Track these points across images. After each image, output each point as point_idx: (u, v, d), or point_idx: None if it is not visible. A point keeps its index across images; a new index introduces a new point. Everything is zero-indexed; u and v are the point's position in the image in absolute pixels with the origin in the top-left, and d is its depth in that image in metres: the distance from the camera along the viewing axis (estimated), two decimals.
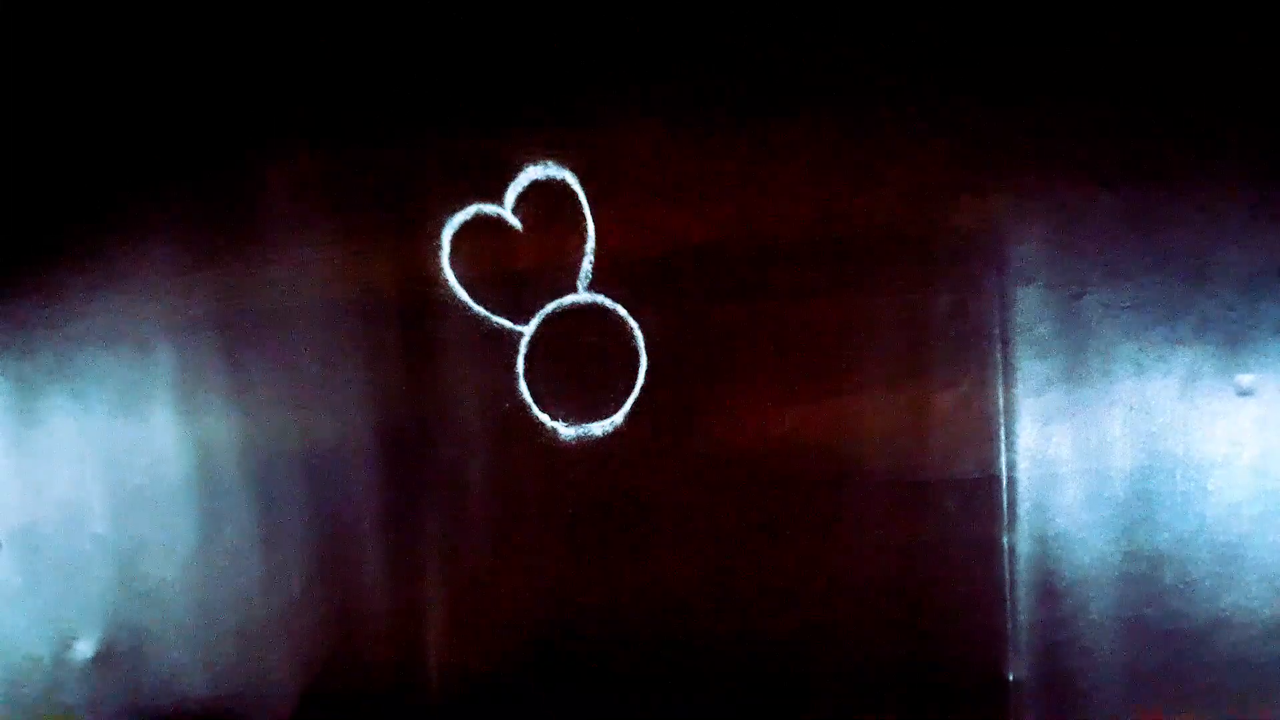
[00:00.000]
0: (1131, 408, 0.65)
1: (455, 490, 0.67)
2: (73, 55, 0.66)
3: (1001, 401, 0.65)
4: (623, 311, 0.66)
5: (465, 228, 0.65)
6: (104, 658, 0.68)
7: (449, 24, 0.65)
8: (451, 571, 0.67)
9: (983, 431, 0.65)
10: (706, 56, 0.64)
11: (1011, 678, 0.66)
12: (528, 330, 0.66)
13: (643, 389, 0.66)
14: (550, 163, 0.65)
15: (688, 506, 0.66)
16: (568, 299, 0.66)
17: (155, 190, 0.66)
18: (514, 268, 0.66)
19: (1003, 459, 0.65)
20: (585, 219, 0.65)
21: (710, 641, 0.65)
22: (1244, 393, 0.65)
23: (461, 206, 0.65)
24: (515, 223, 0.65)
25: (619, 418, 0.66)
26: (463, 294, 0.66)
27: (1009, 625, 0.65)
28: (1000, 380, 0.65)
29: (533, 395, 0.66)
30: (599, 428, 0.66)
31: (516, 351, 0.66)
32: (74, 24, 0.66)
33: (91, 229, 0.66)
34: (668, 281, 0.65)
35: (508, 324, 0.66)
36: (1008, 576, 0.65)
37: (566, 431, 0.66)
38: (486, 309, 0.66)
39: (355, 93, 0.65)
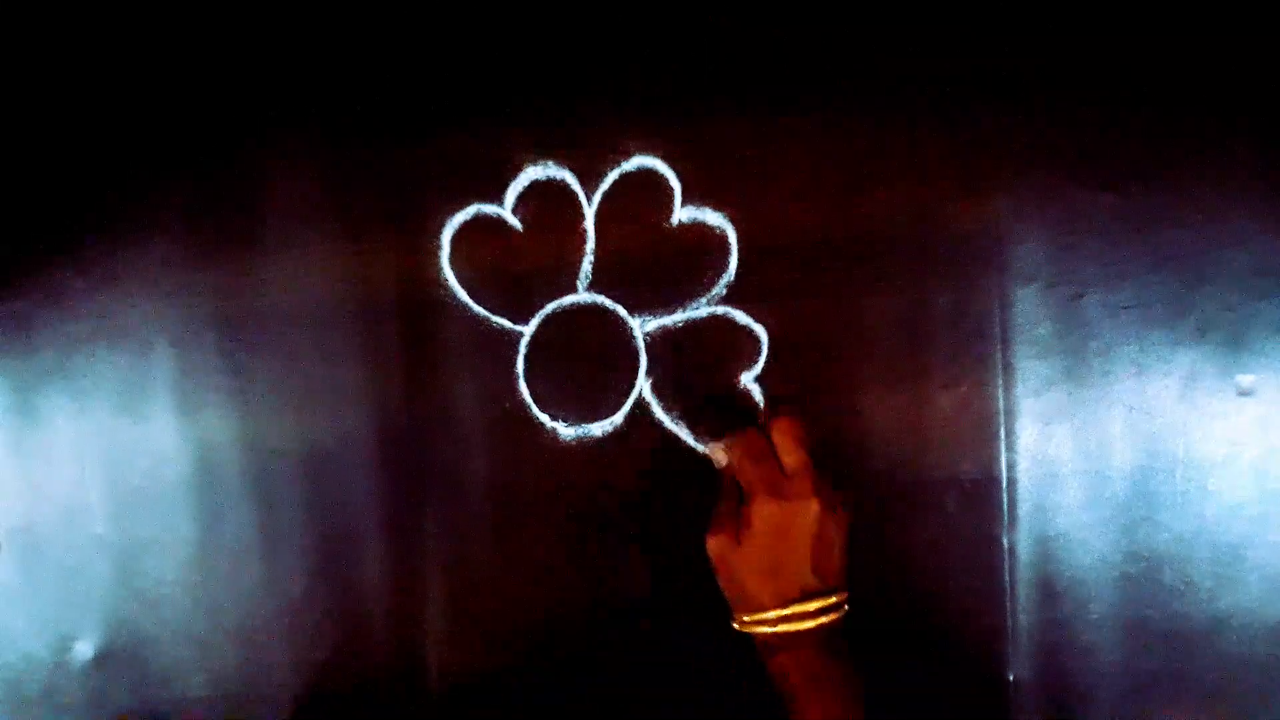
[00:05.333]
0: (1131, 408, 0.65)
1: (455, 490, 0.67)
2: (72, 53, 0.66)
3: (1001, 402, 0.65)
4: (623, 311, 0.66)
5: (465, 228, 0.65)
6: (104, 658, 0.68)
7: (449, 24, 0.65)
8: (451, 571, 0.67)
9: (983, 432, 0.65)
10: (705, 57, 0.64)
11: (1011, 678, 0.66)
12: (528, 330, 0.66)
13: (642, 390, 0.66)
14: (550, 163, 0.65)
15: (688, 506, 0.66)
16: (568, 299, 0.66)
17: (155, 190, 0.66)
18: (514, 268, 0.66)
19: (1003, 459, 0.65)
20: (585, 219, 0.65)
21: (711, 640, 0.65)
22: (1244, 393, 0.64)
23: (461, 206, 0.65)
24: (515, 223, 0.65)
25: (619, 418, 0.66)
26: (463, 294, 0.66)
27: (1009, 625, 0.65)
28: (1000, 380, 0.65)
29: (533, 395, 0.66)
30: (599, 428, 0.66)
31: (516, 351, 0.66)
32: (74, 21, 0.66)
33: (92, 229, 0.66)
34: (668, 282, 0.65)
35: (508, 324, 0.66)
36: (1008, 576, 0.65)
37: (566, 431, 0.66)
38: (486, 309, 0.66)
39: (355, 93, 0.65)
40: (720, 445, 0.63)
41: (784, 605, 0.56)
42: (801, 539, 0.56)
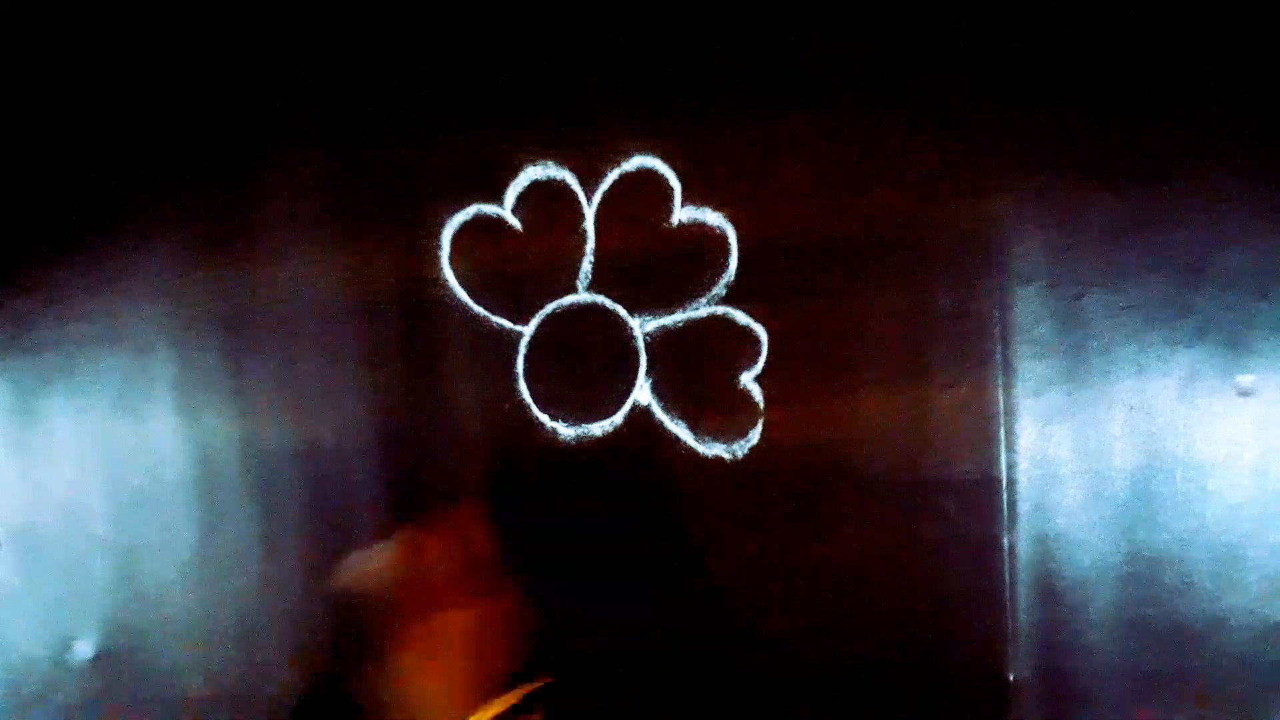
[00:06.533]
0: (1131, 408, 0.65)
1: (455, 490, 0.67)
2: (75, 55, 0.66)
3: (1001, 402, 0.65)
4: (623, 312, 0.66)
5: (465, 228, 0.65)
6: (104, 658, 0.68)
7: (449, 25, 0.65)
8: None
9: (983, 432, 0.65)
10: (705, 57, 0.64)
11: (1011, 678, 0.66)
12: (528, 330, 0.66)
13: (642, 390, 0.66)
14: (550, 163, 0.65)
15: (688, 506, 0.66)
16: (568, 299, 0.66)
17: (156, 190, 0.66)
18: (514, 268, 0.66)
19: (1003, 459, 0.65)
20: (585, 219, 0.65)
21: (709, 641, 0.65)
22: (1244, 393, 0.64)
23: (461, 206, 0.65)
24: (515, 223, 0.65)
25: (619, 418, 0.66)
26: (463, 294, 0.66)
27: (1009, 625, 0.65)
28: (1000, 381, 0.65)
29: (533, 395, 0.66)
30: (599, 428, 0.66)
31: (516, 351, 0.66)
32: (77, 23, 0.66)
33: (93, 229, 0.66)
34: (668, 282, 0.65)
35: (508, 324, 0.66)
36: (1008, 576, 0.65)
37: (566, 431, 0.66)
38: (486, 309, 0.66)
39: (355, 93, 0.65)
40: (386, 551, 0.61)
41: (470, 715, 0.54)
42: (463, 647, 0.55)
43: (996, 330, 0.65)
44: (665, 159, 0.65)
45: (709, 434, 0.65)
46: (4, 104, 0.66)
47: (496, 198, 0.65)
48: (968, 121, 0.64)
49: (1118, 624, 0.66)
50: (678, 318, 0.65)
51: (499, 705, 0.54)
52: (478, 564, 0.56)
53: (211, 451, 0.67)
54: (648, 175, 0.65)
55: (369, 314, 0.66)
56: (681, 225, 0.65)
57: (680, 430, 0.65)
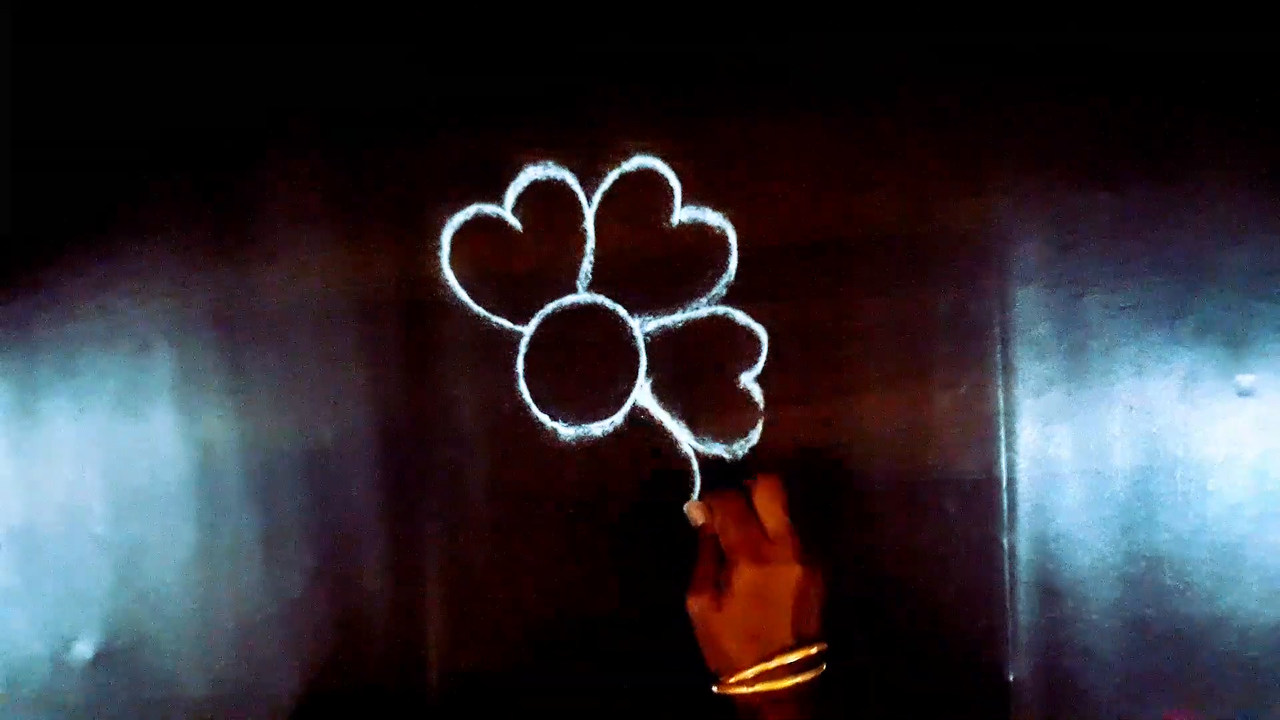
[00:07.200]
0: (1132, 408, 0.65)
1: (455, 490, 0.67)
2: (72, 54, 0.66)
3: (1001, 402, 0.65)
4: (623, 312, 0.66)
5: (465, 228, 0.66)
6: (104, 658, 0.68)
7: (449, 24, 0.65)
8: (451, 571, 0.67)
9: (983, 432, 0.65)
10: (705, 57, 0.64)
11: (1011, 678, 0.66)
12: (528, 330, 0.66)
13: (642, 390, 0.66)
14: (550, 163, 0.65)
15: None
16: (568, 299, 0.66)
17: (155, 191, 0.66)
18: (514, 268, 0.66)
19: (1003, 460, 0.65)
20: (585, 219, 0.65)
21: None
22: (1244, 393, 0.64)
23: (461, 206, 0.65)
24: (515, 223, 0.65)
25: (619, 418, 0.66)
26: (463, 294, 0.66)
27: (1009, 625, 0.65)
28: (1000, 381, 0.65)
29: (533, 395, 0.66)
30: (599, 428, 0.66)
31: (516, 351, 0.66)
32: (74, 22, 0.66)
33: (92, 229, 0.67)
34: (668, 282, 0.65)
35: (508, 324, 0.66)
36: (1008, 577, 0.65)
37: (566, 431, 0.66)
38: (486, 309, 0.66)
39: (355, 93, 0.65)
40: (697, 505, 0.63)
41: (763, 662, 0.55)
42: (783, 603, 0.55)
43: (996, 330, 0.65)
44: (665, 159, 0.65)
45: (709, 434, 0.65)
46: (3, 105, 0.66)
47: (496, 198, 0.65)
48: (968, 121, 0.64)
49: (1118, 624, 0.66)
50: (678, 318, 0.65)
51: (786, 657, 0.55)
52: (773, 532, 0.57)
53: (211, 451, 0.67)
54: (648, 175, 0.65)
55: (369, 314, 0.66)
56: (681, 225, 0.65)
57: (680, 430, 0.65)
